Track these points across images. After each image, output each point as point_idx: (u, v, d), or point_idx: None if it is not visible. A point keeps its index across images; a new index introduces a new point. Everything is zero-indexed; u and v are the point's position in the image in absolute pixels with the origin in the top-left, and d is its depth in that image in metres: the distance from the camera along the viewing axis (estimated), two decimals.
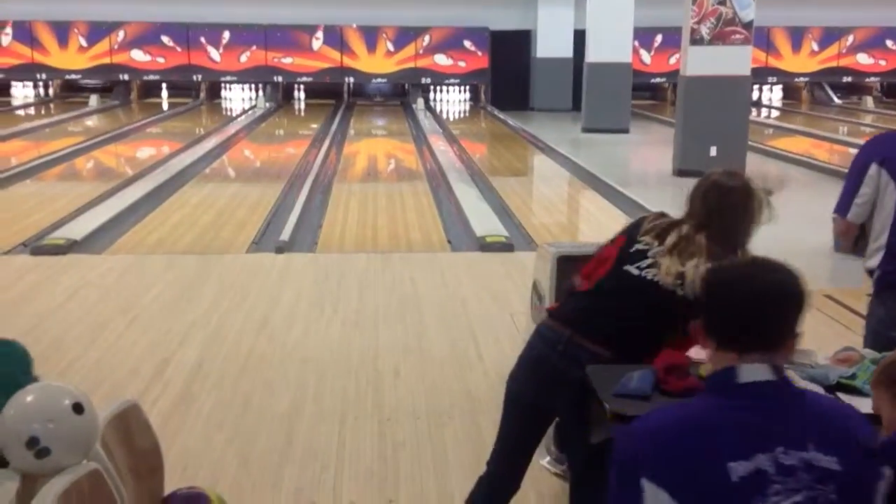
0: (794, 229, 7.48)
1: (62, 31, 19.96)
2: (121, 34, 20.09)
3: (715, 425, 1.61)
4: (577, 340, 2.61)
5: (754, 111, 18.15)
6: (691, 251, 2.59)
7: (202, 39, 20.17)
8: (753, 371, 1.63)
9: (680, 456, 1.59)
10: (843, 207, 3.24)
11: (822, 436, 1.60)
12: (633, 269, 2.63)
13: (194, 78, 20.42)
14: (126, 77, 20.41)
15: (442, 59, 20.49)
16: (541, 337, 2.71)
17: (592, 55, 15.26)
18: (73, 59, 20.11)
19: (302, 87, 20.87)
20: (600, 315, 2.64)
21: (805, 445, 1.58)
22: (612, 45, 15.05)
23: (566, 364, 2.61)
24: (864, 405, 2.41)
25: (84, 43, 20.08)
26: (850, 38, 20.99)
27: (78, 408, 2.05)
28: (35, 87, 20.77)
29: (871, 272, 3.26)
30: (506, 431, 2.79)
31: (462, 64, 20.53)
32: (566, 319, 2.68)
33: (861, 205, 3.18)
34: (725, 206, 2.62)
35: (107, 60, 20.13)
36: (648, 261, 2.62)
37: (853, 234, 3.28)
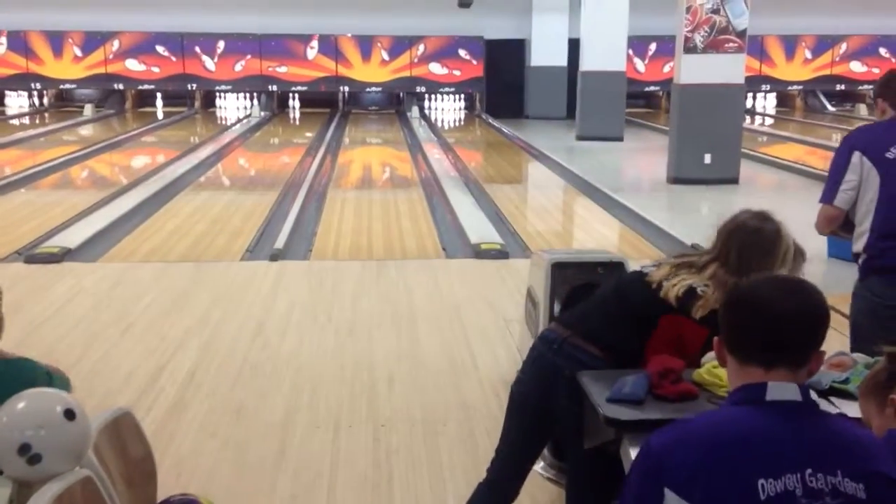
0: None
1: (56, 40, 19.97)
2: (115, 44, 20.10)
3: (746, 440, 1.58)
4: (574, 340, 2.67)
5: (748, 119, 18.22)
6: (693, 271, 2.63)
7: (197, 49, 20.19)
8: (782, 389, 1.62)
9: (709, 469, 1.56)
10: (828, 196, 3.35)
11: (850, 462, 1.58)
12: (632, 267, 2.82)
13: (189, 87, 20.44)
14: (121, 86, 20.42)
15: (437, 68, 20.54)
16: (542, 339, 2.79)
17: (586, 64, 15.29)
18: (68, 68, 20.12)
19: (297, 95, 20.90)
20: (594, 314, 2.74)
21: (834, 470, 1.56)
22: (606, 53, 15.09)
23: (563, 361, 2.64)
24: (857, 410, 2.42)
25: (79, 52, 20.09)
26: (844, 47, 21.09)
27: (70, 414, 2.04)
28: (29, 96, 20.76)
29: (857, 256, 3.39)
30: (511, 437, 2.79)
31: (457, 72, 20.58)
32: (566, 322, 2.77)
33: (847, 191, 3.31)
34: (747, 245, 2.60)
35: (101, 70, 20.15)
36: (650, 263, 2.75)
37: (839, 221, 3.39)
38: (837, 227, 3.42)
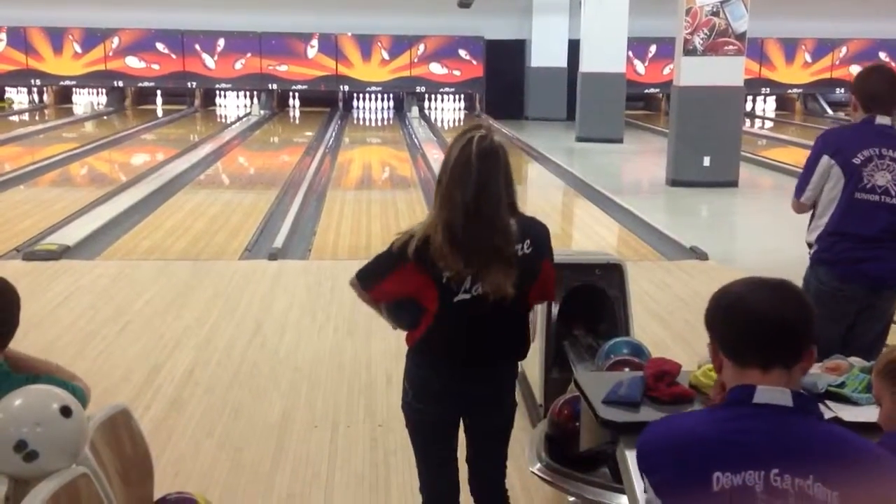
0: (787, 239, 7.51)
1: (57, 37, 19.96)
2: (115, 41, 20.09)
3: (713, 437, 1.66)
4: (471, 370, 2.59)
5: (747, 122, 18.22)
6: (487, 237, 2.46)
7: (197, 46, 20.19)
8: (772, 393, 1.66)
9: (668, 463, 1.67)
10: (798, 193, 3.70)
11: (828, 469, 1.59)
12: (464, 296, 2.48)
13: (189, 85, 20.43)
14: (121, 84, 20.42)
15: (437, 68, 20.54)
16: (436, 371, 2.61)
17: (586, 65, 15.30)
18: (68, 65, 20.11)
19: (297, 94, 20.90)
20: (469, 340, 2.56)
21: (806, 474, 1.59)
22: (606, 55, 15.10)
23: (467, 384, 2.61)
24: (853, 414, 2.43)
25: (79, 49, 20.08)
26: (844, 50, 21.11)
27: (66, 411, 2.05)
28: (29, 93, 20.75)
29: (809, 245, 3.72)
30: (433, 453, 2.76)
31: (457, 73, 20.59)
32: (451, 354, 2.59)
33: (811, 190, 3.63)
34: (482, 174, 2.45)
35: (101, 67, 20.14)
36: (469, 280, 2.48)
37: (808, 211, 3.72)
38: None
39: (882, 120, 3.53)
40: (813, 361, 1.73)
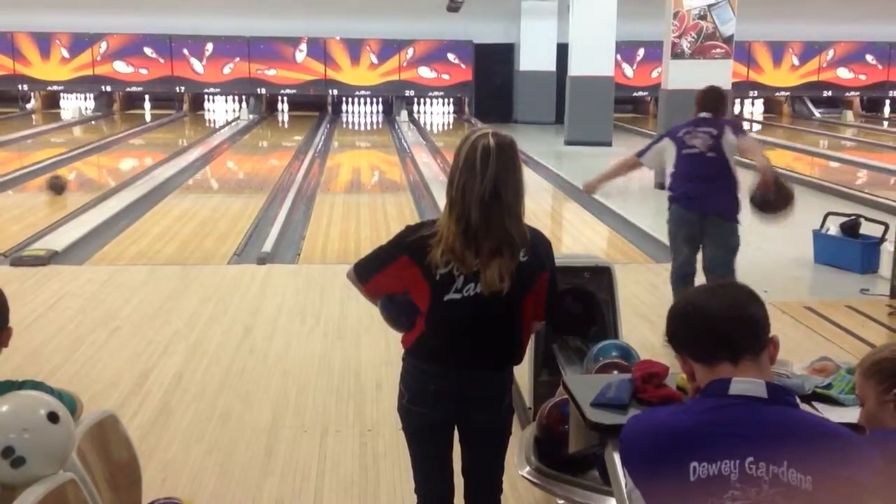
0: (775, 242, 7.55)
1: (44, 42, 19.92)
2: (103, 45, 20.06)
3: (690, 428, 1.70)
4: (464, 373, 2.56)
5: None
6: (491, 244, 2.45)
7: (185, 51, 20.17)
8: (746, 385, 1.71)
9: (647, 455, 1.71)
10: (640, 154, 5.63)
11: (803, 455, 1.63)
12: (454, 296, 2.48)
13: (177, 89, 20.41)
14: (109, 88, 20.37)
15: (426, 72, 20.57)
16: (431, 374, 2.59)
17: (575, 69, 15.34)
18: (56, 70, 20.06)
19: (285, 98, 20.89)
20: (465, 342, 2.53)
21: (780, 461, 1.62)
22: (594, 58, 15.14)
23: (461, 388, 2.58)
24: (840, 415, 2.44)
25: (66, 54, 20.03)
26: (831, 53, 21.23)
27: (53, 417, 2.04)
28: (17, 98, 20.65)
29: (663, 187, 5.62)
30: (428, 455, 2.76)
31: (446, 77, 20.62)
32: (445, 356, 2.57)
33: (649, 154, 5.56)
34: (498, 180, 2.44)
35: (89, 72, 20.10)
36: (461, 280, 2.47)
37: (635, 167, 5.72)
38: (630, 170, 5.75)
39: (704, 115, 5.31)
40: (778, 348, 1.80)
